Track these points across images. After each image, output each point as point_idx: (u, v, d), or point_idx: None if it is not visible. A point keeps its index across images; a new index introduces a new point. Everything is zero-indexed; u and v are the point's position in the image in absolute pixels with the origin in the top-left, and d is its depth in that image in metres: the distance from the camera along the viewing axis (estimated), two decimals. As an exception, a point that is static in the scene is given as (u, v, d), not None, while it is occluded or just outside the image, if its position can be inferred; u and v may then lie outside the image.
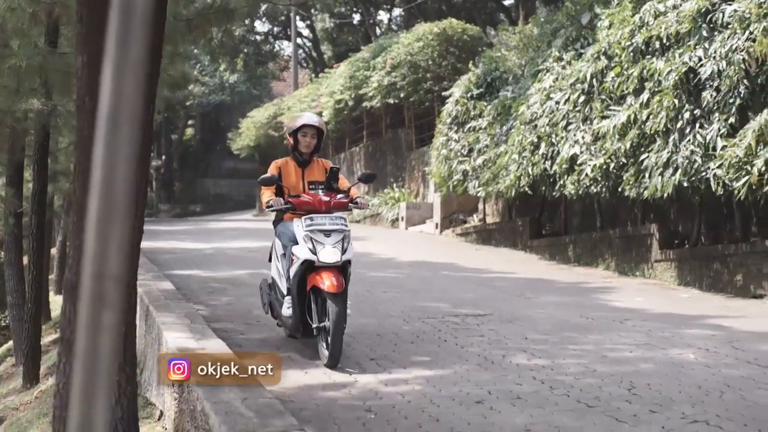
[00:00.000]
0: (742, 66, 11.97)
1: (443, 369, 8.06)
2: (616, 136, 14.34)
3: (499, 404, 6.88)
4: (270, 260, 9.37)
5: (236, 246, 21.85)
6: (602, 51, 15.61)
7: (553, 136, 16.59)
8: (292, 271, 8.45)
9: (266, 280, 9.59)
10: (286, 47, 55.29)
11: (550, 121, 16.68)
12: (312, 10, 46.52)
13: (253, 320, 10.77)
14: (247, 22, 43.79)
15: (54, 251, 27.91)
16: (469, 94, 22.44)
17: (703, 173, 12.53)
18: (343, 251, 8.37)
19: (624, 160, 14.37)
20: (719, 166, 12.08)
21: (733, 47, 12.12)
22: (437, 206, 25.54)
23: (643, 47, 14.24)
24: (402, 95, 28.35)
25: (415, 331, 9.96)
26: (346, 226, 8.51)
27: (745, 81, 12.05)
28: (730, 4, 12.70)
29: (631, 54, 14.51)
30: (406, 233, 26.11)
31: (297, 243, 8.43)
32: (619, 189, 14.75)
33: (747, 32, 11.97)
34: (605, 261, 16.97)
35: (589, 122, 15.68)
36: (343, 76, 32.07)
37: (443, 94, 25.03)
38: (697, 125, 12.74)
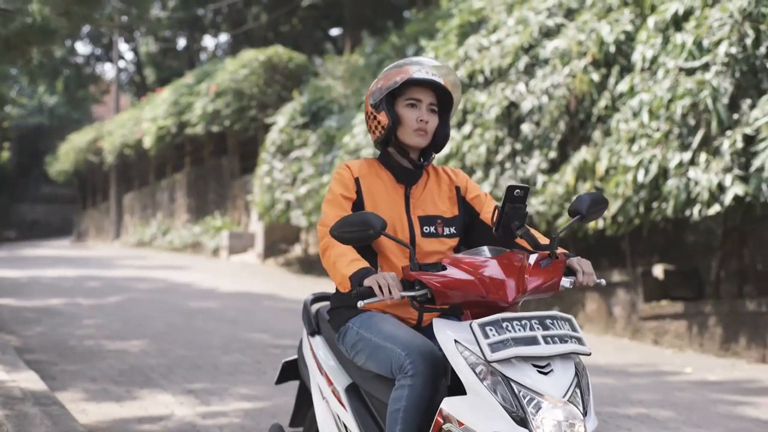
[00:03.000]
0: (563, 102, 12.24)
1: (263, 401, 7.94)
2: (439, 169, 14.44)
3: (319, 437, 6.80)
4: (296, 417, 5.05)
5: (52, 274, 21.27)
6: (426, 84, 15.74)
7: (377, 167, 16.64)
8: None
9: None
10: (109, 70, 54.40)
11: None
12: (136, 33, 45.87)
13: (68, 351, 10.45)
14: (68, 43, 42.83)
15: None
16: (293, 123, 22.40)
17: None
18: (585, 409, 3.55)
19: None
20: (543, 203, 12.29)
21: (555, 83, 12.40)
22: (260, 235, 25.38)
23: (466, 80, 14.44)
24: (226, 123, 28.10)
25: (235, 363, 9.80)
26: (580, 340, 3.69)
27: (566, 117, 12.33)
28: (551, 41, 13.00)
29: (455, 87, 14.66)
30: (228, 262, 25.87)
31: (428, 375, 3.80)
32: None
33: (568, 68, 12.26)
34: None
35: (412, 154, 15.78)
36: (166, 101, 31.60)
37: (267, 122, 24.93)
38: (518, 159, 12.97)
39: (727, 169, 9.72)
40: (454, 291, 3.70)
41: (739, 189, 9.49)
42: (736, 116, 9.96)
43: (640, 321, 11.82)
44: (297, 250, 24.24)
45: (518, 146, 12.97)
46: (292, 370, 4.89)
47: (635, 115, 11.02)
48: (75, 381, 8.77)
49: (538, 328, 3.58)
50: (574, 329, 3.67)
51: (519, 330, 3.55)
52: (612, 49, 11.90)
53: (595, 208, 4.03)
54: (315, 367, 4.45)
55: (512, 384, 3.46)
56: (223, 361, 9.93)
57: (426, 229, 4.21)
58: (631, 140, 10.98)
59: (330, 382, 4.29)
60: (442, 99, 4.32)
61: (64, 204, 55.11)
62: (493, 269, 3.70)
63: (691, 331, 11.03)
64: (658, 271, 12.06)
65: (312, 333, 4.60)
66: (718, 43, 10.17)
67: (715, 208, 9.80)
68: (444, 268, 3.74)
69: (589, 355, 3.63)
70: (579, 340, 3.65)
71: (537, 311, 3.63)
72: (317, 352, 4.46)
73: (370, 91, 4.32)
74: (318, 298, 4.84)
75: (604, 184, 11.37)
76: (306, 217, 20.14)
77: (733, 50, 9.97)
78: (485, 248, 3.86)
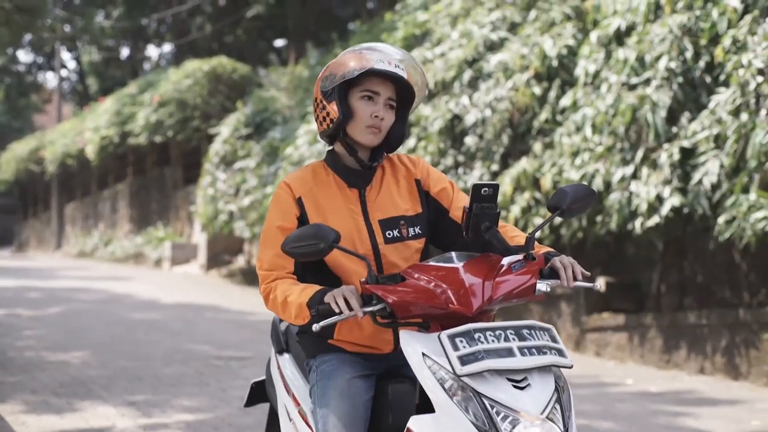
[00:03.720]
0: (506, 115, 12.30)
1: (205, 413, 7.90)
2: (383, 181, 14.46)
3: (261, 450, 6.78)
4: None
5: (-9, 284, 21.02)
6: (370, 96, 15.76)
7: (321, 178, 16.61)
8: None
9: None
10: (51, 79, 53.94)
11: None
12: (79, 42, 45.55)
13: (7, 362, 10.33)
14: (9, 51, 42.42)
15: None
16: (237, 134, 22.32)
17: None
18: (565, 427, 3.34)
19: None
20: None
21: (498, 96, 12.45)
22: (203, 246, 25.25)
23: (410, 94, 14.44)
24: (169, 133, 27.92)
25: (177, 374, 9.74)
26: (561, 352, 3.36)
27: (509, 130, 12.39)
28: (494, 54, 13.05)
29: (399, 100, 14.67)
30: (171, 273, 25.71)
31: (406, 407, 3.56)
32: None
33: (511, 82, 12.33)
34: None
35: (356, 166, 15.77)
36: (108, 111, 31.35)
37: (211, 132, 24.83)
38: (460, 170, 13.01)
39: (667, 182, 9.83)
40: (412, 303, 3.33)
41: (676, 200, 9.61)
42: (675, 129, 10.07)
43: (582, 333, 11.90)
44: (240, 261, 24.14)
45: (461, 158, 13.02)
46: (262, 392, 4.50)
47: (578, 129, 11.11)
48: (15, 393, 8.68)
49: (513, 339, 3.23)
50: (554, 340, 3.32)
51: (492, 341, 3.20)
52: (554, 63, 11.99)
53: (579, 203, 3.61)
54: (282, 388, 4.08)
55: (484, 400, 3.13)
56: (165, 372, 9.87)
57: (389, 234, 3.73)
58: (575, 154, 11.06)
59: (297, 403, 3.92)
60: (402, 94, 3.83)
61: (5, 214, 54.52)
62: (456, 277, 3.32)
63: (633, 342, 11.12)
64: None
65: (280, 351, 4.23)
66: (658, 58, 10.29)
67: (655, 220, 9.90)
68: (403, 279, 3.38)
69: (571, 367, 3.30)
70: (559, 352, 3.30)
71: (513, 321, 3.32)
72: (285, 372, 4.09)
73: (321, 75, 3.78)
74: None
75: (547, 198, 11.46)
76: (249, 228, 20.07)
77: (673, 65, 10.08)
78: (453, 254, 3.47)
